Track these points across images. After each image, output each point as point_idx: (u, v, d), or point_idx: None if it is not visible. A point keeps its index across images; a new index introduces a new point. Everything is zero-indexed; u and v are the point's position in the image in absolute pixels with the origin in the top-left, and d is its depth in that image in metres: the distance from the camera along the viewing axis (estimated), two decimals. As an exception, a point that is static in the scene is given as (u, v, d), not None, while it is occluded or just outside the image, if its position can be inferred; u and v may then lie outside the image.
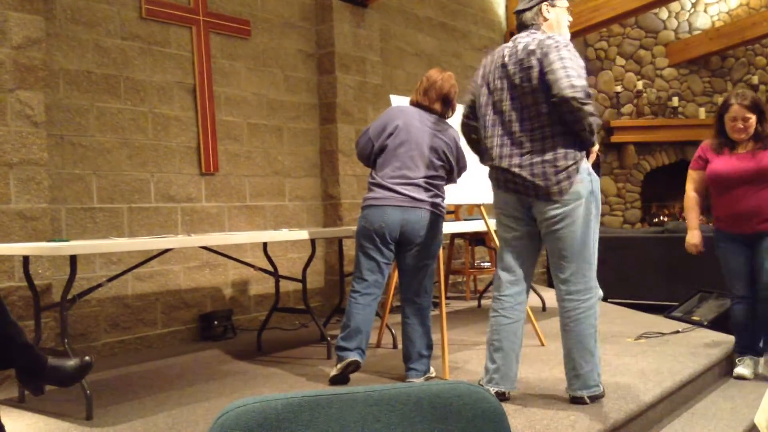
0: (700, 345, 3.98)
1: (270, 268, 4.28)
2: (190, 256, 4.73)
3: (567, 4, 2.94)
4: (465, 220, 4.87)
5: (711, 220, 3.70)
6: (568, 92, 2.58)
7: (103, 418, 2.88)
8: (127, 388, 3.39)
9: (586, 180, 2.72)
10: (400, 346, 3.70)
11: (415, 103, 3.37)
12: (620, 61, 9.58)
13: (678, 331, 4.42)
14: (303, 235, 3.82)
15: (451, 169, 3.32)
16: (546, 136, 2.72)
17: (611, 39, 9.56)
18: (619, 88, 9.49)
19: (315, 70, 5.69)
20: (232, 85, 5.03)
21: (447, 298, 6.37)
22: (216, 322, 4.68)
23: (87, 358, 2.65)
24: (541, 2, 2.86)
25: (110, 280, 3.65)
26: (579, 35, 8.01)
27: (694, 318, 4.79)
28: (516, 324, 2.90)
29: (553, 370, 3.42)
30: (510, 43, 2.85)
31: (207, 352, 4.26)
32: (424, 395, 1.00)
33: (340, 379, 3.20)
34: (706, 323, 4.66)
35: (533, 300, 4.64)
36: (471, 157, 3.38)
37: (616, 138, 9.18)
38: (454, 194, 3.89)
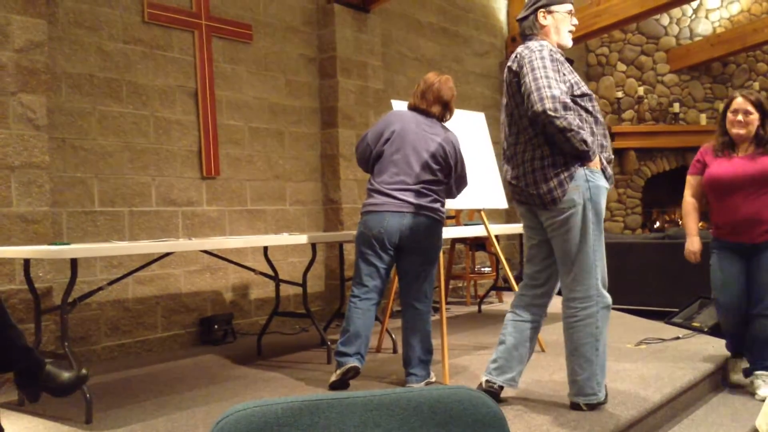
0: (701, 351, 3.98)
1: (270, 272, 4.28)
2: (191, 260, 4.74)
3: (569, 8, 2.85)
4: (466, 225, 4.88)
5: (711, 226, 3.66)
6: (537, 107, 2.55)
7: (102, 421, 2.88)
8: (127, 392, 3.39)
9: (582, 187, 2.68)
10: (400, 350, 3.69)
11: (412, 107, 3.36)
12: (621, 66, 9.60)
13: (678, 337, 4.42)
14: (303, 239, 3.83)
15: (449, 173, 3.29)
16: (536, 146, 2.73)
17: (612, 45, 9.59)
18: (620, 94, 9.51)
19: (316, 75, 5.70)
20: (233, 89, 5.04)
21: (447, 303, 6.36)
22: (216, 326, 4.68)
23: (84, 371, 2.66)
24: (537, 10, 2.83)
25: (111, 283, 3.65)
26: (580, 41, 8.04)
27: (695, 324, 4.78)
28: (524, 324, 2.90)
29: (553, 376, 3.42)
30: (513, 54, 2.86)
31: (207, 356, 4.26)
32: (424, 400, 1.00)
33: (340, 385, 3.21)
34: (706, 329, 4.66)
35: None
36: (468, 168, 3.37)
37: (617, 144, 9.19)
38: (454, 199, 3.88)
